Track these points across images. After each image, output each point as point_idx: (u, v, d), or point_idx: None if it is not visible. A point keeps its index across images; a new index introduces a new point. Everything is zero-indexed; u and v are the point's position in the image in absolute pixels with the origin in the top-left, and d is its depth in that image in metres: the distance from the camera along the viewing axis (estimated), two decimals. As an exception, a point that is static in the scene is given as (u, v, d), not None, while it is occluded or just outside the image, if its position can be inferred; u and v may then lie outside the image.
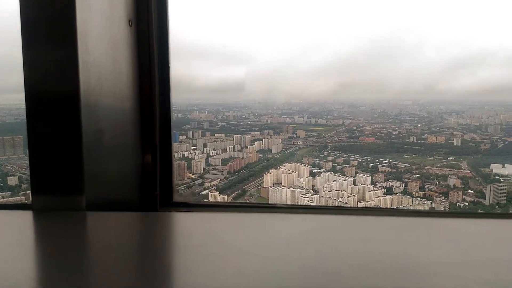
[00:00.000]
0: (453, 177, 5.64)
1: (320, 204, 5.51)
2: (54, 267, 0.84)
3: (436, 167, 5.90)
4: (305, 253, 0.89)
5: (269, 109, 7.13)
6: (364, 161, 6.21)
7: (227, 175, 6.17)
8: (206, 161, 6.28)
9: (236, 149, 6.47)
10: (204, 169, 6.17)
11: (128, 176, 1.40)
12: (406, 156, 6.17)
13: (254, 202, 5.75)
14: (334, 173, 6.01)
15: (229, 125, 6.79)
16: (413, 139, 6.34)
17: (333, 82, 7.60)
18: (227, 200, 5.85)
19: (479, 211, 5.28)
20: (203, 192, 5.73)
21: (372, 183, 5.78)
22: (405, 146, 6.30)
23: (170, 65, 1.44)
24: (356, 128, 6.82)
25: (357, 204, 5.56)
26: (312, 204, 5.75)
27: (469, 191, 5.48)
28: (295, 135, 6.78)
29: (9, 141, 5.47)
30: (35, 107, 1.19)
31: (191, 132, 6.45)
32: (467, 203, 5.35)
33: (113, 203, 1.31)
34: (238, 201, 5.68)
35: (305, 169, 6.08)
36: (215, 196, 5.67)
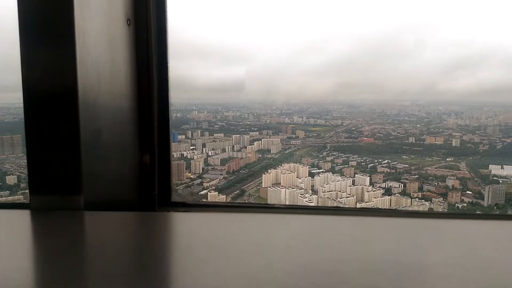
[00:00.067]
0: (451, 178, 5.65)
1: (319, 205, 5.51)
2: (52, 266, 0.84)
3: (435, 168, 5.91)
4: (304, 254, 0.89)
5: (268, 109, 7.13)
6: (363, 162, 6.22)
7: (226, 175, 6.17)
8: (205, 161, 6.28)
9: (235, 149, 6.47)
10: (203, 169, 6.18)
11: (126, 176, 1.40)
12: (405, 156, 6.18)
13: (253, 202, 5.75)
14: (333, 173, 6.02)
15: (228, 125, 6.80)
16: (412, 139, 6.35)
17: (332, 82, 7.61)
18: (226, 200, 5.85)
19: (478, 212, 5.29)
20: (202, 192, 5.73)
21: (371, 183, 5.78)
22: (404, 147, 6.31)
23: (168, 64, 1.43)
24: (355, 129, 6.83)
25: (356, 204, 5.56)
26: (310, 204, 5.75)
27: (467, 192, 5.49)
28: (294, 135, 6.78)
29: (7, 140, 5.47)
30: (33, 106, 1.18)
31: (190, 132, 6.45)
32: (465, 204, 5.35)
33: (111, 202, 1.31)
34: (236, 201, 5.68)
35: (304, 170, 6.09)
36: (214, 196, 5.67)
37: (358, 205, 5.55)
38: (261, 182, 6.07)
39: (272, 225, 1.15)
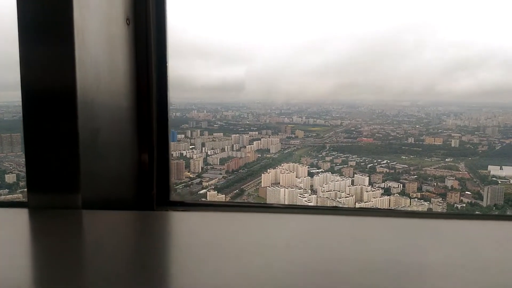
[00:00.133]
0: (450, 178, 5.65)
1: (318, 204, 5.51)
2: (49, 265, 0.84)
3: (434, 168, 5.91)
4: (303, 253, 0.89)
5: (268, 109, 7.13)
6: (362, 162, 6.22)
7: (225, 175, 6.17)
8: (204, 160, 6.28)
9: (234, 149, 6.47)
10: (202, 168, 6.18)
11: (124, 175, 1.40)
12: (404, 157, 6.19)
13: (252, 201, 5.75)
14: (332, 173, 6.02)
15: (228, 124, 6.80)
16: (411, 140, 6.36)
17: (332, 83, 7.61)
18: (225, 199, 5.85)
19: (477, 212, 5.29)
20: (201, 191, 5.73)
21: (370, 183, 5.79)
22: (403, 147, 6.31)
23: (167, 63, 1.43)
24: (354, 129, 6.83)
25: (355, 204, 5.56)
26: (310, 204, 5.75)
27: (466, 192, 5.50)
28: (293, 135, 6.79)
29: (7, 139, 5.47)
30: (31, 104, 1.18)
31: (189, 131, 6.45)
32: (464, 205, 5.36)
33: (110, 201, 1.31)
34: (235, 201, 5.68)
35: (303, 169, 6.09)
36: (213, 196, 5.67)
37: (357, 205, 5.55)
38: (260, 181, 6.08)
39: (271, 224, 1.15)
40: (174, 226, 1.20)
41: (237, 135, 6.56)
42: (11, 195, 4.82)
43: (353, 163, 6.20)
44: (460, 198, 5.44)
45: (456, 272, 0.79)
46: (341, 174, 6.01)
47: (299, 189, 5.87)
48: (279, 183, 5.98)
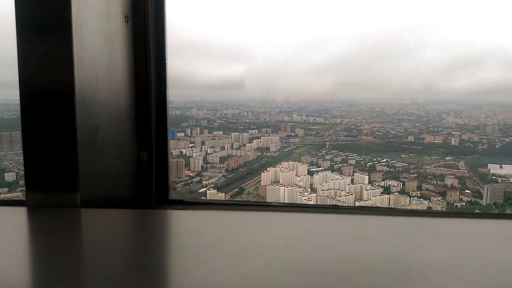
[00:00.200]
0: (450, 177, 5.65)
1: (318, 203, 5.51)
2: (48, 264, 0.84)
3: (434, 166, 5.91)
4: (302, 252, 0.89)
5: (268, 107, 7.12)
6: (362, 160, 6.22)
7: (225, 173, 6.17)
8: (204, 158, 6.27)
9: (234, 147, 6.46)
10: (202, 166, 6.17)
11: (123, 173, 1.40)
12: (404, 155, 6.19)
13: (251, 200, 5.76)
14: (332, 172, 6.02)
15: (228, 123, 6.79)
16: (411, 138, 6.35)
17: (332, 81, 7.60)
18: (225, 198, 5.85)
19: (476, 211, 5.29)
20: (201, 190, 5.73)
21: (370, 182, 5.78)
22: (403, 146, 6.31)
23: (166, 61, 1.43)
24: (354, 127, 6.82)
25: (355, 203, 5.56)
26: (309, 202, 5.75)
27: (466, 191, 5.50)
28: (293, 134, 6.78)
29: (6, 137, 5.46)
30: (29, 103, 1.18)
31: (189, 129, 6.44)
32: (464, 203, 5.36)
33: (108, 200, 1.30)
34: (234, 199, 5.69)
35: (303, 168, 6.08)
36: (212, 194, 5.67)
37: (357, 204, 5.55)
38: (260, 180, 6.07)
39: (271, 223, 1.15)
40: (173, 224, 1.20)
41: (237, 133, 6.56)
42: (10, 194, 4.81)
43: (353, 162, 6.19)
44: (459, 196, 5.44)
45: (455, 271, 0.79)
46: (341, 173, 6.00)
47: (299, 187, 5.87)
48: (279, 181, 5.98)
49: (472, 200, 5.39)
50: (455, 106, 6.74)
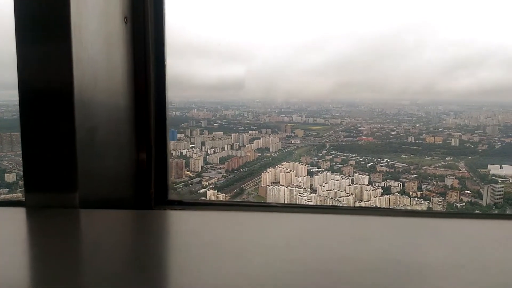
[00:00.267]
0: (450, 177, 5.64)
1: (318, 204, 5.51)
2: (47, 264, 0.83)
3: (434, 167, 5.90)
4: (302, 253, 0.88)
5: (268, 108, 7.12)
6: (362, 161, 6.21)
7: (225, 174, 6.17)
8: (204, 159, 6.27)
9: (234, 148, 6.46)
10: (202, 167, 6.17)
11: (122, 174, 1.39)
12: (404, 156, 6.18)
13: (252, 201, 5.75)
14: (332, 172, 6.01)
15: (228, 123, 6.78)
16: (411, 139, 6.35)
17: (332, 81, 7.60)
18: (225, 198, 5.85)
19: (477, 211, 5.29)
20: (201, 191, 5.73)
21: (370, 182, 5.78)
22: (403, 146, 6.31)
23: (166, 62, 1.43)
24: (354, 128, 6.82)
25: (355, 203, 5.56)
26: (309, 203, 5.75)
27: (466, 191, 5.49)
28: (293, 134, 6.78)
29: (6, 138, 5.46)
30: (28, 103, 1.18)
31: (189, 130, 6.44)
32: (464, 204, 5.35)
33: (107, 200, 1.30)
34: (234, 200, 5.68)
35: (303, 168, 6.08)
36: (213, 195, 5.66)
37: (357, 204, 5.54)
38: (260, 180, 6.07)
39: (271, 224, 1.15)
40: (172, 225, 1.20)
41: (237, 134, 6.56)
42: (10, 194, 4.81)
43: (353, 162, 6.19)
44: (460, 197, 5.44)
45: (455, 271, 0.79)
46: (341, 173, 6.00)
47: (299, 188, 5.86)
48: (279, 182, 5.98)
49: (472, 201, 5.39)
50: (455, 107, 6.73)
